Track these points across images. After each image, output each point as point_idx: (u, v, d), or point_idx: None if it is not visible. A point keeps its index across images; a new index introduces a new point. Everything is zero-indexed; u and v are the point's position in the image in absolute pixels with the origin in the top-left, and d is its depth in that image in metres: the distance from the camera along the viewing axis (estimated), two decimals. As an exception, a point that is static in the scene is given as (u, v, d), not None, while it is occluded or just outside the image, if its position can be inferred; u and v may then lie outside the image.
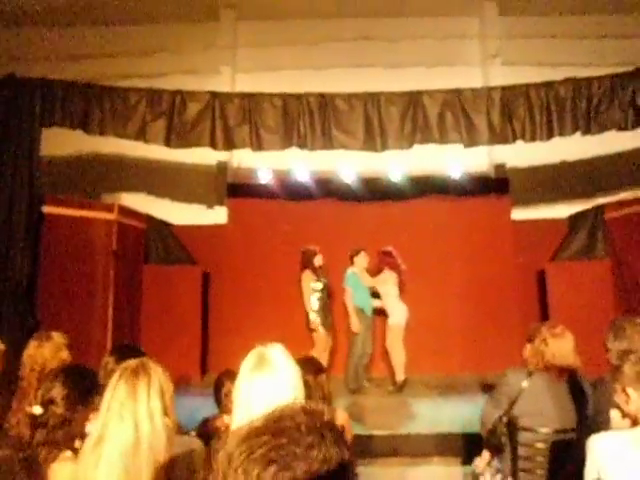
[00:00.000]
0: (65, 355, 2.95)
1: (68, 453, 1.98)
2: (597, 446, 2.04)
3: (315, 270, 6.32)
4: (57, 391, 2.07)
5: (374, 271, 6.56)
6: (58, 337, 3.05)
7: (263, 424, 0.67)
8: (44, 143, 6.00)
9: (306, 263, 6.35)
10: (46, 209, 5.85)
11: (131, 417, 1.74)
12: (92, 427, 1.86)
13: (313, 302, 6.24)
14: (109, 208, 6.47)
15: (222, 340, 7.06)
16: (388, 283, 6.36)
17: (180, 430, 2.47)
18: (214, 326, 7.34)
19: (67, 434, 2.03)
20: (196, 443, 2.18)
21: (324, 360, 6.29)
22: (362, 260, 6.43)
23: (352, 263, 6.43)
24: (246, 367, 1.81)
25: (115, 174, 8.02)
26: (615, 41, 7.72)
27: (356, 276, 6.37)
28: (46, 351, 2.88)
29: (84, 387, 2.14)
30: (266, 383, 1.73)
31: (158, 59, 8.10)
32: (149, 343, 6.18)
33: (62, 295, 5.82)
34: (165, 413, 1.80)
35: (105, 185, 8.00)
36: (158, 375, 1.83)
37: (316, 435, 0.65)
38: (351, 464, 0.67)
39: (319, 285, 6.28)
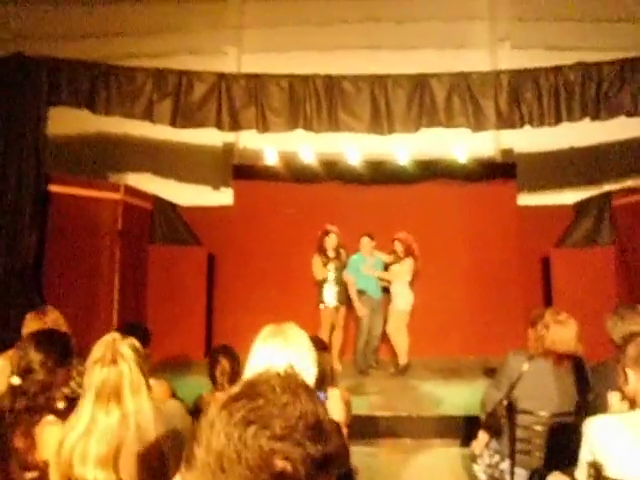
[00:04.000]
0: (64, 328, 2.98)
1: (50, 417, 2.01)
2: (592, 428, 2.07)
3: (323, 251, 6.34)
4: (33, 358, 2.08)
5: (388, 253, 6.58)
6: (54, 310, 3.11)
7: (240, 390, 0.70)
8: (51, 122, 6.00)
9: (317, 243, 6.37)
10: (52, 188, 5.87)
11: (115, 396, 1.80)
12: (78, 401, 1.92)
13: (322, 281, 6.30)
14: (115, 188, 6.49)
15: (227, 320, 7.13)
16: (403, 270, 6.36)
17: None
18: (219, 307, 7.40)
19: (48, 399, 2.05)
20: (175, 407, 2.25)
21: (337, 339, 6.36)
22: (365, 245, 6.44)
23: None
24: (260, 337, 1.85)
25: (121, 154, 8.03)
26: (626, 25, 7.60)
27: (358, 261, 6.39)
28: (43, 325, 2.93)
29: (59, 350, 2.16)
30: (278, 351, 1.77)
31: (164, 39, 8.04)
32: (154, 323, 6.23)
33: (68, 274, 5.87)
34: (148, 387, 1.88)
35: (111, 165, 8.01)
36: (131, 352, 1.88)
37: (290, 394, 0.68)
38: (329, 421, 0.70)
39: (329, 265, 6.32)
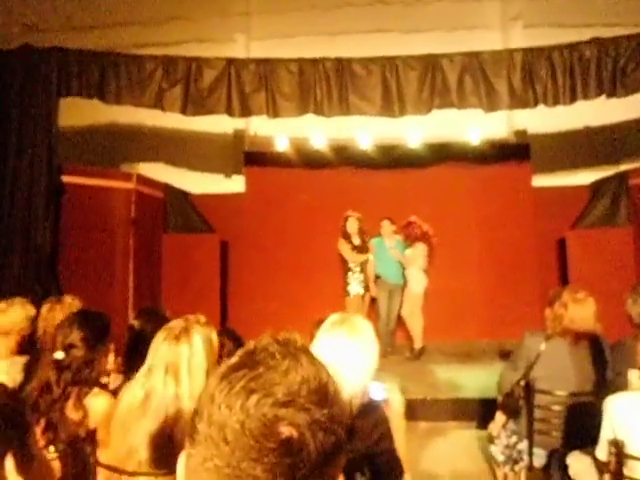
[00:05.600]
0: None
1: (96, 389, 2.14)
2: (613, 406, 2.04)
3: (347, 236, 6.37)
4: (75, 335, 2.20)
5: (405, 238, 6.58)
6: (69, 300, 3.12)
7: (239, 359, 0.68)
8: (62, 113, 6.02)
9: (341, 229, 6.45)
10: (65, 179, 5.90)
11: (172, 380, 1.86)
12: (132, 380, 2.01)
13: (347, 267, 6.37)
14: (128, 177, 6.51)
15: (241, 307, 7.15)
16: (416, 255, 6.35)
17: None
18: (233, 294, 7.42)
19: (91, 373, 2.19)
20: None
21: None
22: (386, 228, 6.46)
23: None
24: (326, 324, 1.87)
25: (132, 144, 8.04)
26: (642, -1, 7.41)
27: (378, 245, 6.43)
28: (58, 314, 2.95)
29: (99, 328, 2.30)
30: (342, 340, 1.78)
31: (172, 27, 8.01)
32: (170, 311, 6.28)
33: (83, 264, 5.91)
34: (208, 376, 1.90)
35: (123, 155, 8.03)
36: (200, 339, 1.95)
37: (291, 359, 0.67)
38: (332, 383, 0.69)
39: (351, 251, 6.39)
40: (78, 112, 6.95)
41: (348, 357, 1.74)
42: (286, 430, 0.61)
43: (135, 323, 2.86)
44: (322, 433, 0.63)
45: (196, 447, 0.64)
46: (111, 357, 2.35)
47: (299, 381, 0.65)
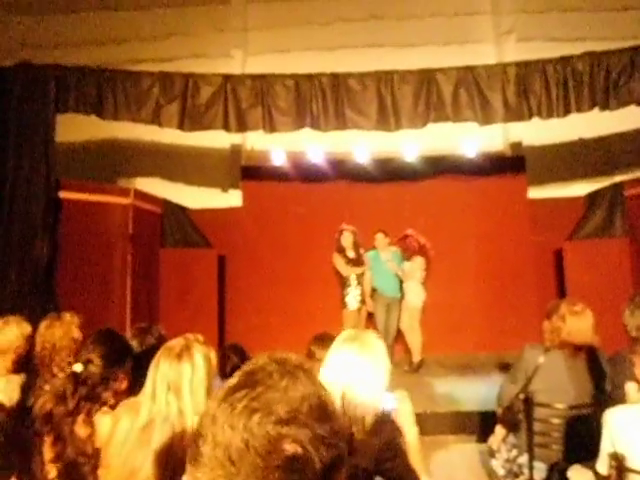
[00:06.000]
0: (76, 334, 2.98)
1: (105, 408, 2.17)
2: (612, 419, 2.04)
3: (342, 250, 6.38)
4: (96, 352, 2.25)
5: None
6: (69, 317, 3.10)
7: (238, 380, 0.69)
8: (59, 129, 6.04)
9: (336, 243, 6.48)
10: (63, 194, 5.91)
11: (175, 398, 1.86)
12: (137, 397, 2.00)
13: (343, 281, 6.37)
14: (125, 192, 6.52)
15: (239, 321, 7.14)
16: (415, 268, 6.36)
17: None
18: (230, 308, 7.41)
19: (105, 391, 2.21)
20: None
21: None
22: (380, 241, 6.47)
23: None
24: (338, 341, 1.97)
25: (130, 159, 8.06)
26: (632, 12, 7.51)
27: (373, 258, 6.43)
28: (56, 331, 2.93)
29: (118, 349, 2.34)
30: (353, 356, 1.87)
31: (169, 43, 8.08)
32: (167, 326, 6.22)
33: (80, 280, 5.90)
34: (208, 394, 1.94)
35: (120, 170, 8.05)
36: (200, 357, 1.97)
37: (289, 378, 0.68)
38: (331, 400, 0.70)
39: (345, 265, 6.39)
40: (76, 128, 6.98)
41: (360, 374, 1.82)
42: (290, 447, 0.62)
43: (133, 343, 2.84)
44: (325, 448, 0.64)
45: (201, 469, 0.64)
46: (124, 379, 2.34)
47: (299, 398, 0.66)
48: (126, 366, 2.34)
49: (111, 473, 1.94)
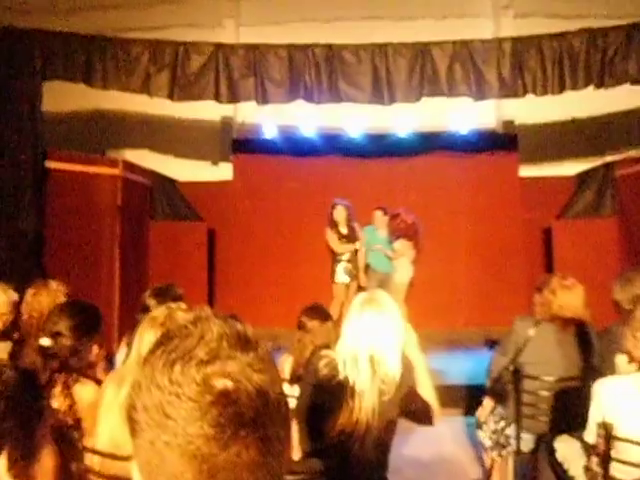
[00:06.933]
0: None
1: (83, 379, 2.14)
2: (602, 390, 2.06)
3: (334, 225, 6.33)
4: (64, 324, 2.19)
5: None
6: (55, 285, 3.06)
7: (155, 344, 0.69)
8: (47, 98, 5.91)
9: (328, 217, 6.41)
10: (50, 164, 5.81)
11: None
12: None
13: (334, 255, 6.35)
14: (114, 163, 6.41)
15: (229, 295, 7.14)
16: (404, 246, 6.31)
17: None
18: (220, 282, 7.39)
19: (78, 363, 2.17)
20: None
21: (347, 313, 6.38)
22: (378, 219, 6.42)
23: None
24: (356, 304, 2.13)
25: (118, 130, 7.93)
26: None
27: (371, 233, 6.39)
28: (43, 299, 2.90)
29: (88, 320, 2.28)
30: (376, 315, 2.04)
31: (160, 12, 7.88)
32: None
33: (68, 251, 5.83)
34: None
35: (108, 141, 7.92)
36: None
37: (203, 324, 0.67)
38: (251, 331, 0.69)
39: (338, 241, 6.35)
40: (62, 97, 6.83)
41: (384, 336, 2.02)
42: (219, 383, 0.61)
43: (151, 303, 2.82)
44: (256, 374, 0.63)
45: (140, 435, 0.63)
46: (95, 349, 2.31)
47: (217, 337, 0.65)
48: (97, 336, 2.30)
49: (99, 441, 1.94)
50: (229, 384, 0.62)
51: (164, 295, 2.90)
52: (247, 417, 0.61)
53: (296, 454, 2.40)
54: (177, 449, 0.61)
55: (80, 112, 7.77)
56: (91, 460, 1.96)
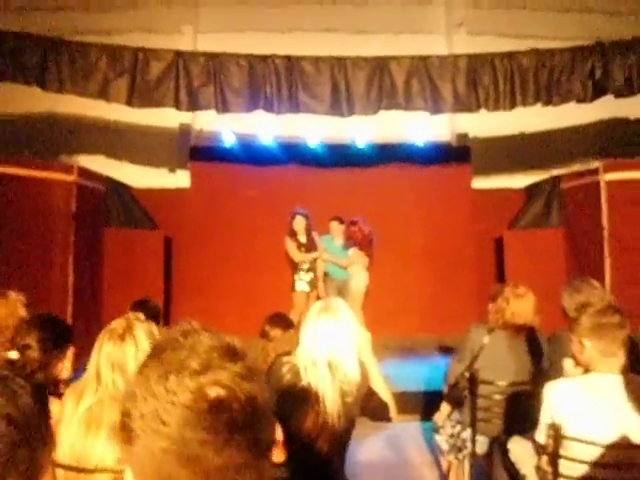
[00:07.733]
0: (23, 313, 2.87)
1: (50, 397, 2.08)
2: (551, 392, 2.18)
3: (294, 234, 6.37)
4: (32, 337, 2.17)
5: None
6: (14, 295, 2.98)
7: (147, 356, 0.73)
8: (-3, 100, 5.74)
9: (288, 226, 6.43)
10: (1, 169, 5.62)
11: (120, 377, 1.86)
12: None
13: (294, 265, 6.38)
14: (68, 169, 6.24)
15: (185, 304, 7.03)
16: (358, 254, 6.41)
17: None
18: (177, 290, 7.30)
19: (46, 378, 2.14)
20: None
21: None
22: (335, 228, 6.50)
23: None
24: (313, 312, 2.21)
25: (72, 135, 7.75)
26: (577, 15, 7.86)
27: (328, 242, 6.46)
28: (2, 309, 2.82)
29: (58, 334, 2.26)
30: (332, 322, 2.13)
31: (117, 15, 7.78)
32: (111, 308, 6.11)
33: (20, 259, 5.63)
34: None
35: (62, 146, 7.72)
36: (143, 334, 1.98)
37: (193, 336, 0.72)
38: (238, 343, 0.74)
39: (297, 249, 6.38)
40: (15, 100, 6.63)
41: (340, 341, 2.11)
42: (212, 391, 0.66)
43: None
44: (245, 382, 0.68)
45: (135, 442, 0.67)
46: (68, 364, 2.29)
47: (207, 349, 0.70)
48: (67, 352, 2.27)
49: (63, 452, 1.92)
50: (222, 392, 0.66)
51: (142, 308, 2.91)
52: (239, 422, 0.66)
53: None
54: (173, 453, 0.65)
55: (30, 115, 7.55)
56: (54, 474, 1.94)
